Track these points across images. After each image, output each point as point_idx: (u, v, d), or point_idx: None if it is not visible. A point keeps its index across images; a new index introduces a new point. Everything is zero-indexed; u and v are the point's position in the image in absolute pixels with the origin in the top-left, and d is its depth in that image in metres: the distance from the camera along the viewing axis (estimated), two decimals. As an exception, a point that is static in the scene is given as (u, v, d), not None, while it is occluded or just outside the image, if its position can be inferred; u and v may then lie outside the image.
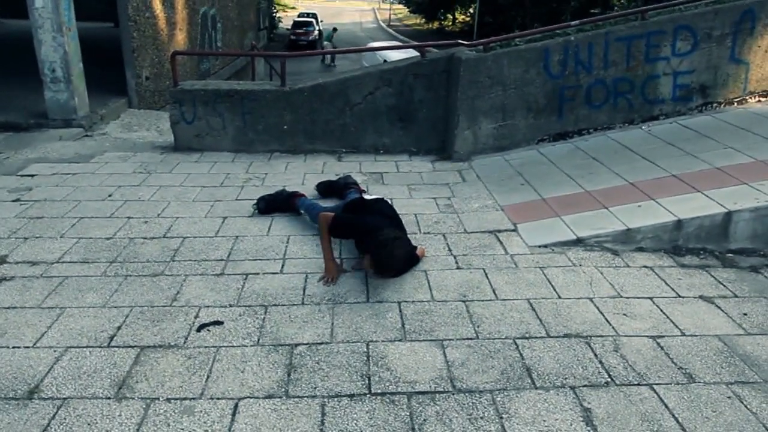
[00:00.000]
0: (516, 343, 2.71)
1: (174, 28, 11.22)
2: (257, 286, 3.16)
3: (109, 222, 3.98)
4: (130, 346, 2.63)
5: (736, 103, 5.57)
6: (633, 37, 5.24)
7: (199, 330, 2.76)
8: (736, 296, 3.25)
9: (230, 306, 2.97)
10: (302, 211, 4.06)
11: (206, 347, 2.63)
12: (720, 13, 5.27)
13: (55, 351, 2.60)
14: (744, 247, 3.83)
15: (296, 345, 2.66)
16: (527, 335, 2.78)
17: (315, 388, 2.39)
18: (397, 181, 4.88)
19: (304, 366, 2.51)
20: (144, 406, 2.27)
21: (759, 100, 5.59)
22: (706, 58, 5.36)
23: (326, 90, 5.61)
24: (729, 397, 2.42)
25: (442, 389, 2.39)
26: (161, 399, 2.31)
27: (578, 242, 3.75)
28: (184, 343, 2.66)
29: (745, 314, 3.07)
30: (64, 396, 2.32)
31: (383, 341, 2.70)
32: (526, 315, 2.94)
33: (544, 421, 2.24)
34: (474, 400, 2.33)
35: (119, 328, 2.77)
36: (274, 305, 2.98)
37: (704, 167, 4.43)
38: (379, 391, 2.37)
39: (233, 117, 5.67)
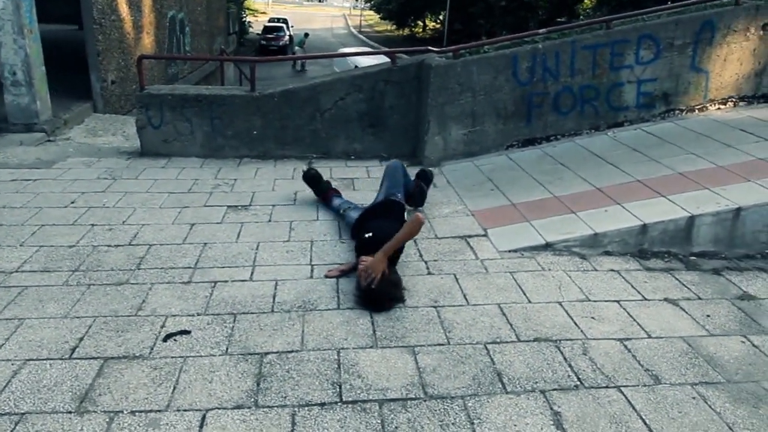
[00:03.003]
0: (487, 348, 2.72)
1: (141, 31, 11.03)
2: (226, 294, 3.10)
3: (72, 229, 3.87)
4: (93, 358, 2.55)
5: (697, 111, 5.73)
6: (598, 46, 5.35)
7: (165, 340, 2.69)
8: (699, 298, 3.33)
9: (198, 315, 2.91)
10: (338, 209, 4.14)
11: (173, 357, 2.57)
12: (681, 24, 5.42)
13: (12, 364, 2.50)
14: (706, 250, 3.93)
15: (266, 353, 2.61)
16: (498, 340, 2.79)
17: (285, 397, 2.35)
18: (369, 187, 4.87)
19: (273, 375, 2.47)
20: (107, 420, 2.19)
21: (719, 108, 5.77)
22: (669, 66, 5.50)
23: (297, 95, 5.58)
24: (694, 398, 2.47)
25: (413, 396, 2.38)
26: (125, 412, 2.24)
27: (547, 247, 3.79)
28: (150, 353, 2.60)
29: (708, 316, 3.14)
30: (22, 411, 2.23)
31: (354, 348, 2.67)
32: (496, 320, 2.96)
33: (515, 425, 2.24)
34: (445, 406, 2.33)
35: (81, 339, 2.68)
36: (243, 313, 2.93)
37: (668, 172, 4.53)
38: (350, 399, 2.35)
39: (201, 122, 5.59)
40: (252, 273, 3.35)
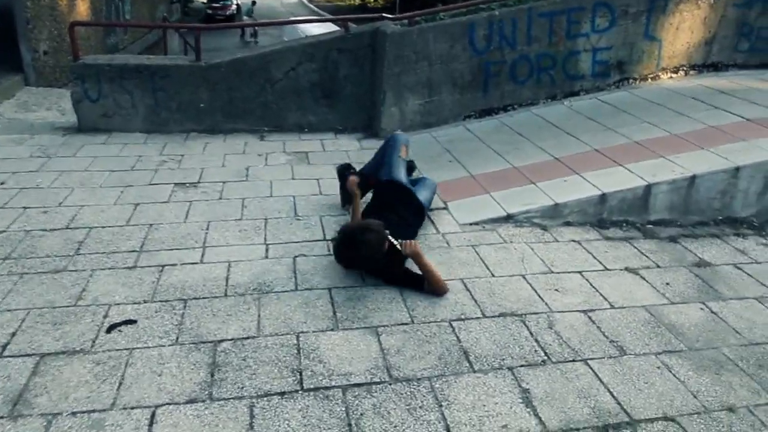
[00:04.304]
0: (452, 326, 2.64)
1: (74, -2, 10.30)
2: (175, 279, 2.91)
3: (2, 213, 3.55)
4: (28, 355, 2.33)
5: (650, 79, 5.76)
6: (555, 13, 5.27)
7: (108, 331, 2.49)
8: (658, 266, 3.34)
9: (144, 302, 2.71)
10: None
11: (117, 350, 2.38)
12: (636, -10, 5.39)
13: (-65, 365, 2.26)
14: (662, 218, 3.96)
15: (220, 341, 2.45)
16: (463, 317, 2.71)
17: (242, 388, 2.21)
18: (324, 161, 4.69)
19: (229, 364, 2.32)
20: (45, 424, 2.00)
21: (671, 76, 5.81)
22: (623, 34, 5.48)
23: (245, 65, 5.29)
24: (659, 368, 2.47)
25: (378, 380, 2.28)
26: (65, 413, 2.05)
27: (508, 219, 3.73)
28: (92, 347, 2.39)
29: (668, 284, 3.16)
30: (-53, 417, 2.02)
31: (314, 332, 2.54)
32: (460, 296, 2.88)
33: (484, 405, 2.18)
34: (412, 389, 2.24)
35: (14, 334, 2.45)
36: (194, 298, 2.75)
37: (624, 141, 4.54)
38: (311, 386, 2.23)
39: (143, 95, 5.24)
40: (203, 255, 3.15)
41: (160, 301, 2.71)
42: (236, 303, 2.72)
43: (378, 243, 2.79)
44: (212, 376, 2.26)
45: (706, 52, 5.82)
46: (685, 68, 5.83)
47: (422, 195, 3.57)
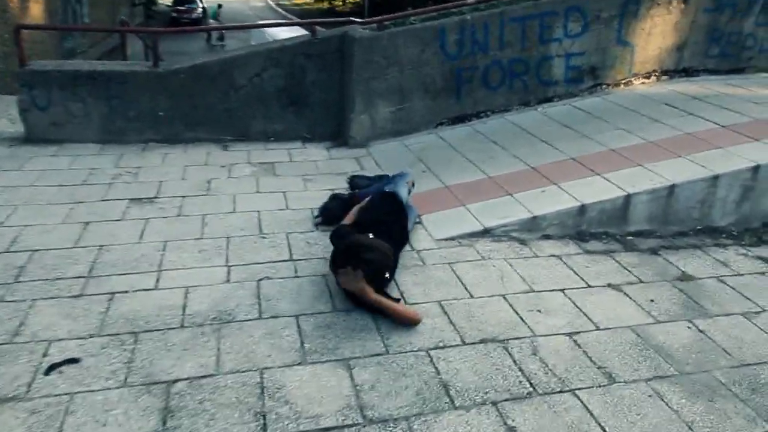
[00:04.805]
0: (430, 355, 2.44)
1: (27, -1, 9.83)
2: (126, 308, 2.64)
3: (-67, 235, 3.23)
4: (-50, 404, 2.05)
5: (622, 85, 5.69)
6: (527, 18, 5.15)
7: (47, 373, 2.22)
8: (641, 281, 3.21)
9: (90, 337, 2.44)
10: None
11: (57, 396, 2.11)
12: (607, -5, 5.31)
13: None
14: (642, 229, 3.85)
15: (174, 381, 2.21)
16: (441, 344, 2.52)
17: (198, 436, 1.97)
18: (291, 172, 4.46)
19: (184, 408, 2.08)
20: (-36, 490, 1.74)
21: (643, 82, 5.76)
22: (596, 39, 5.40)
23: (207, 71, 5.02)
24: (650, 396, 2.32)
25: (351, 422, 2.07)
26: (-10, 477, 1.79)
27: (486, 233, 3.57)
28: (27, 392, 2.12)
29: (652, 300, 3.03)
30: None
31: (280, 367, 2.32)
32: (438, 320, 2.69)
33: (468, 448, 1.99)
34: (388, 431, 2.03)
35: (-64, 379, 2.16)
36: (147, 331, 2.49)
37: (600, 149, 4.43)
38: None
39: (97, 102, 4.92)
40: (158, 280, 2.89)
41: (108, 335, 2.45)
42: (193, 335, 2.48)
43: (379, 268, 2.62)
44: (164, 423, 2.01)
45: (677, 58, 5.78)
46: (657, 73, 5.78)
47: (410, 222, 3.43)
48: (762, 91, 5.36)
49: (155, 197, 3.88)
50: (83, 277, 2.88)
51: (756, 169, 3.96)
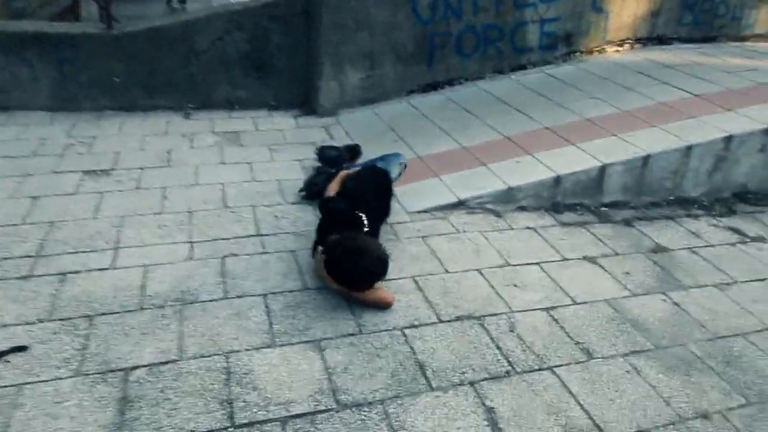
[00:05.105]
0: (405, 334, 2.35)
1: (-33, -46, 9.13)
2: (78, 289, 2.46)
3: None
4: None
5: (596, 53, 5.60)
6: (502, -20, 4.98)
7: (-8, 362, 2.05)
8: (616, 254, 3.18)
9: (40, 321, 2.26)
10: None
11: (2, 388, 1.95)
12: (583, -42, 5.17)
13: None
14: (616, 200, 3.81)
15: (132, 368, 2.06)
16: (416, 323, 2.43)
17: (159, 428, 1.84)
18: (257, 142, 4.26)
19: (143, 398, 1.94)
20: None
21: (617, 50, 5.68)
22: (571, 5, 5.27)
23: (165, 34, 4.71)
24: (628, 372, 2.28)
25: (323, 407, 1.97)
26: (-74, 480, 1.63)
27: (460, 205, 3.47)
28: (-31, 384, 1.96)
29: (627, 273, 2.99)
30: None
31: (247, 350, 2.19)
32: (412, 297, 2.59)
33: (446, 432, 1.91)
34: (363, 416, 1.94)
35: None
36: (103, 314, 2.33)
37: (575, 119, 4.35)
38: (245, 420, 1.89)
39: (47, 67, 4.58)
40: (114, 258, 2.71)
41: (60, 320, 2.27)
42: (153, 318, 2.32)
43: (375, 276, 2.47)
44: (122, 414, 1.88)
45: (651, 25, 5.71)
46: (630, 41, 5.71)
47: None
48: (733, 61, 5.34)
49: (111, 169, 3.65)
50: (32, 256, 2.68)
51: (729, 139, 3.94)
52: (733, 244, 3.43)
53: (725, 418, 2.11)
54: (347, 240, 2.45)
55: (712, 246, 3.38)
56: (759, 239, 3.52)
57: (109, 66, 4.68)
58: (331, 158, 3.73)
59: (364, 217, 2.66)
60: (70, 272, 2.57)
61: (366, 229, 2.66)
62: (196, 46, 4.77)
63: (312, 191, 3.38)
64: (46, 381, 1.98)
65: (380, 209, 2.98)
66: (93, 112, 4.64)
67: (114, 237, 2.88)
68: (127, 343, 2.17)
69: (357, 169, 3.27)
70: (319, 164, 3.78)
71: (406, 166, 3.42)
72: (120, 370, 2.05)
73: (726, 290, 2.94)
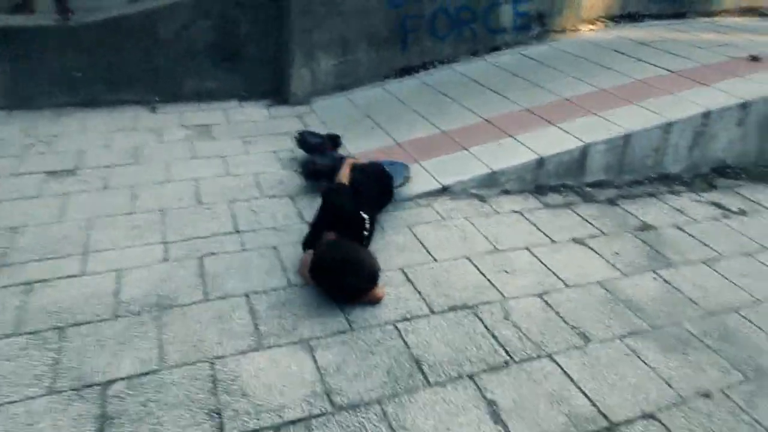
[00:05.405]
0: (398, 329, 2.26)
1: None
2: (47, 300, 2.30)
3: None
4: None
5: (570, 32, 5.56)
6: (473, -40, 4.87)
7: (-45, 383, 1.89)
8: (603, 234, 3.13)
9: (6, 337, 2.10)
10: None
11: (-33, 410, 1.80)
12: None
13: None
14: (598, 179, 3.77)
15: (110, 382, 1.93)
16: (408, 315, 2.34)
17: (143, 445, 1.72)
18: (229, 134, 4.10)
19: (124, 413, 1.81)
20: None
21: (590, 28, 5.64)
22: (543, -16, 5.21)
23: (125, 25, 4.49)
24: (627, 354, 2.24)
25: (318, 410, 1.87)
26: None
27: (444, 191, 3.38)
28: (-70, 409, 1.80)
29: (617, 253, 2.95)
30: None
31: (233, 355, 2.08)
32: (402, 289, 2.50)
33: (448, 429, 1.83)
34: (360, 418, 1.85)
35: None
36: (74, 325, 2.18)
37: (553, 98, 4.29)
38: (235, 431, 1.78)
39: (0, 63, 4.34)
40: (84, 264, 2.55)
41: (28, 334, 2.12)
42: (130, 326, 2.18)
43: (362, 292, 2.36)
44: (102, 432, 1.75)
45: (623, 2, 5.69)
46: (603, 19, 5.68)
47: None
48: (705, 36, 5.36)
49: (76, 168, 3.46)
50: (-6, 265, 2.51)
51: (707, 114, 3.93)
52: (717, 219, 3.42)
53: (726, 396, 2.08)
54: (339, 250, 2.33)
55: (697, 222, 3.37)
56: (741, 213, 3.52)
57: (67, 60, 4.44)
58: (312, 145, 3.58)
59: (367, 221, 2.55)
60: (37, 281, 2.41)
61: (366, 233, 2.56)
62: (159, 36, 4.56)
63: (310, 170, 3.27)
64: (16, 402, 1.83)
65: (377, 209, 2.89)
66: (53, 109, 4.40)
67: (82, 241, 2.71)
68: (103, 355, 2.03)
69: (364, 161, 3.15)
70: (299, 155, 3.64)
71: (408, 179, 3.32)
72: (97, 384, 1.91)
73: (714, 266, 2.92)
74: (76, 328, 2.15)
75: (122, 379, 1.94)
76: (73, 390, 1.88)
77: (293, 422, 1.81)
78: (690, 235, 3.21)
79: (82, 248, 2.65)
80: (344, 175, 2.88)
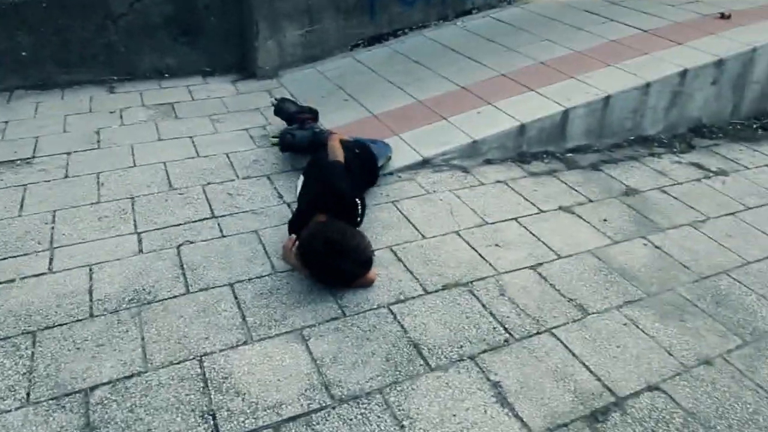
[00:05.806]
0: (392, 312, 2.17)
1: None
2: (14, 302, 2.13)
3: None
4: None
5: (540, -8, 5.43)
6: None
7: None
8: (590, 200, 3.09)
9: (-29, 346, 1.94)
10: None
11: (-65, 431, 1.65)
12: None
13: None
14: (579, 144, 3.72)
15: (92, 388, 1.79)
16: (402, 297, 2.25)
17: (134, 455, 1.61)
18: (195, 112, 3.89)
19: (110, 421, 1.69)
20: None
21: (560, -12, 5.51)
22: (513, -58, 5.05)
23: (74, -1, 4.18)
24: (625, 324, 2.20)
25: (318, 405, 1.77)
26: None
27: (425, 163, 3.28)
28: None
29: (605, 220, 2.91)
30: None
31: (222, 350, 1.96)
32: (393, 269, 2.41)
33: (454, 416, 1.76)
34: (362, 410, 1.77)
35: None
36: (47, 328, 2.02)
37: (529, 63, 4.19)
38: (232, 432, 1.68)
39: (-64, 45, 4.00)
40: (51, 260, 2.37)
41: (-5, 341, 1.96)
42: (108, 325, 2.04)
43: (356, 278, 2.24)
44: (88, 444, 1.62)
45: (591, -39, 5.56)
46: (573, -21, 5.55)
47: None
48: (675, -7, 5.30)
49: (32, 157, 3.22)
50: (-49, 267, 2.31)
51: (684, 74, 3.89)
52: (698, 180, 3.42)
53: (726, 362, 2.07)
54: (334, 232, 2.19)
55: (680, 184, 3.35)
56: (721, 173, 3.52)
57: (13, 39, 4.12)
58: (290, 114, 3.38)
59: (359, 204, 2.43)
60: (1, 283, 2.23)
61: (358, 218, 2.45)
62: (112, 10, 4.26)
63: (287, 142, 3.09)
64: (-10, 417, 1.69)
65: (363, 190, 2.77)
66: (1, 93, 4.10)
67: (47, 236, 2.52)
68: (81, 360, 1.89)
69: (350, 138, 2.99)
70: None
71: (390, 158, 3.19)
72: (77, 392, 1.77)
73: (701, 228, 2.91)
74: (50, 331, 2.00)
75: (105, 384, 1.80)
76: (52, 399, 1.74)
77: (293, 419, 1.72)
78: (674, 197, 3.20)
79: (48, 244, 2.47)
80: (339, 153, 2.70)
